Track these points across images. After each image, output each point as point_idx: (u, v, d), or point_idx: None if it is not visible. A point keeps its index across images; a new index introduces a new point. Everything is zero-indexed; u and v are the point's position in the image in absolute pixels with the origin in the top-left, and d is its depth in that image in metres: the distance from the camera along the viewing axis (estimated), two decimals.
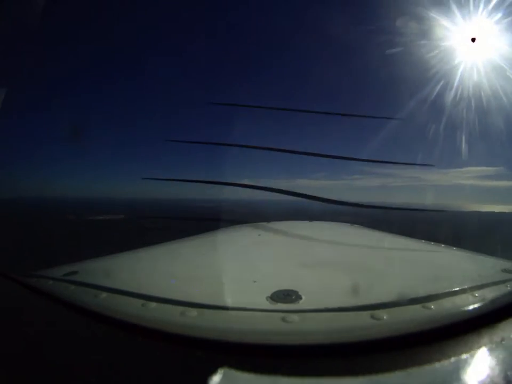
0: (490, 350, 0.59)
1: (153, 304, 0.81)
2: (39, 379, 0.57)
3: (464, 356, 0.57)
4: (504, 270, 1.07)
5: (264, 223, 2.74)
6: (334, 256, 1.49)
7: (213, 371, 0.52)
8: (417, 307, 0.77)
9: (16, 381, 0.56)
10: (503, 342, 0.61)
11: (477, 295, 0.82)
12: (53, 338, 0.70)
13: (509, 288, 0.89)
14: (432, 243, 1.81)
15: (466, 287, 0.88)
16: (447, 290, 0.85)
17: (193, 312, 0.76)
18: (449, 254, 1.62)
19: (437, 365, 0.55)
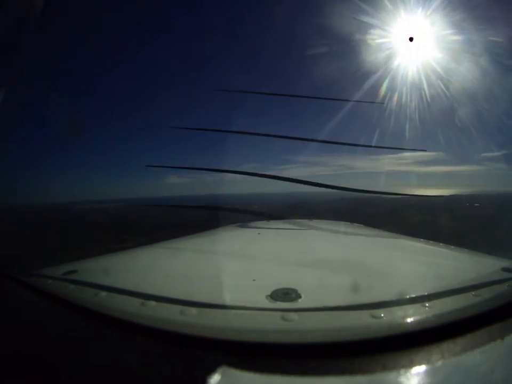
0: (490, 349, 0.59)
1: (152, 303, 0.81)
2: (39, 378, 0.57)
3: (463, 355, 0.57)
4: (504, 269, 1.07)
5: (264, 222, 2.74)
6: (333, 254, 1.49)
7: (212, 370, 0.52)
8: (416, 306, 0.77)
9: (17, 380, 0.56)
10: (503, 341, 0.61)
11: (476, 294, 0.82)
12: (52, 337, 0.70)
13: (508, 287, 0.89)
14: (431, 242, 1.81)
15: (465, 286, 0.87)
16: (446, 289, 0.85)
17: (193, 310, 0.76)
18: (449, 252, 1.62)
19: (437, 364, 0.55)
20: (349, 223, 2.71)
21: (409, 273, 1.16)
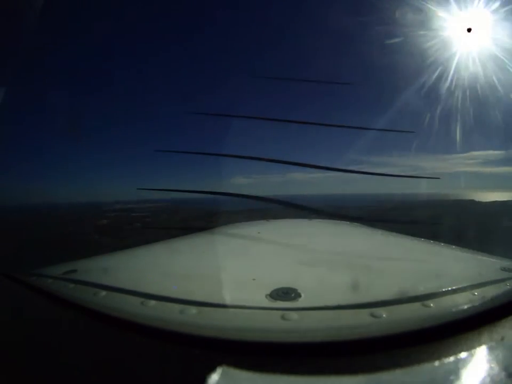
0: (490, 349, 0.59)
1: (152, 302, 0.81)
2: (39, 378, 0.57)
3: (464, 355, 0.57)
4: (503, 269, 1.07)
5: (264, 221, 2.74)
6: (333, 254, 1.49)
7: (212, 369, 0.52)
8: (416, 305, 0.77)
9: (17, 379, 0.56)
10: (503, 341, 0.61)
11: (476, 293, 0.82)
12: (52, 337, 0.70)
13: (508, 286, 0.89)
14: (432, 241, 1.81)
15: (465, 285, 0.88)
16: (446, 289, 0.85)
17: (193, 310, 0.76)
18: (449, 252, 1.62)
19: (437, 363, 0.55)
20: (348, 222, 2.71)
21: (409, 272, 1.16)
